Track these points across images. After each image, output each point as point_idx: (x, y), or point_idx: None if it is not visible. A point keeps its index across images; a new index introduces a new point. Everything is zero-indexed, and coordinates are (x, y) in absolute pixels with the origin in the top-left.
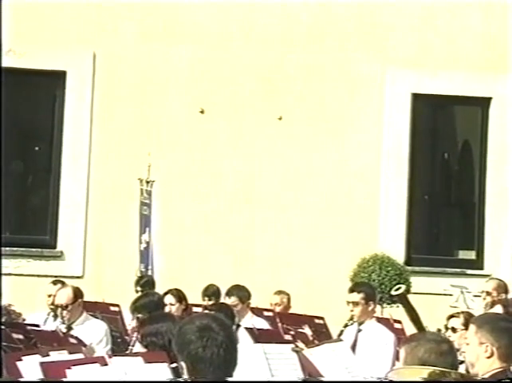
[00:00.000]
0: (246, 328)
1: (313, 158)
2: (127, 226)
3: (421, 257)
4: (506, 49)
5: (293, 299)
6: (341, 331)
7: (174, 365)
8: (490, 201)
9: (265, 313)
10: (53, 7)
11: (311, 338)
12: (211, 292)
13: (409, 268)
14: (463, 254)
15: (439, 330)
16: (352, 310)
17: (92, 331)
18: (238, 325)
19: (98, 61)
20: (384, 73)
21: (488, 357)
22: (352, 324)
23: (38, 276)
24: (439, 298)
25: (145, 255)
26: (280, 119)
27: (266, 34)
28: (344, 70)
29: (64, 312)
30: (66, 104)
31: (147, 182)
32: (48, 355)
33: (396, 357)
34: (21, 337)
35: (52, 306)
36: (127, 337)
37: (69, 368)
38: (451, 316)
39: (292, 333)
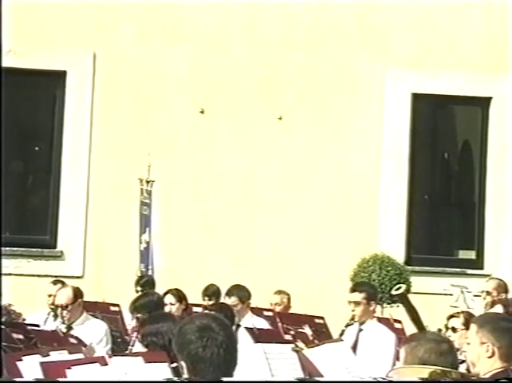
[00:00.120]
0: (246, 328)
1: (313, 158)
2: (127, 226)
3: (421, 257)
4: (506, 49)
5: (293, 299)
6: (343, 331)
7: (174, 364)
8: (490, 201)
9: (266, 313)
10: (53, 7)
11: (311, 338)
12: (211, 292)
13: (409, 268)
14: (463, 254)
15: (440, 330)
16: (353, 310)
17: (92, 331)
18: (238, 325)
19: (98, 61)
20: (383, 73)
21: (489, 357)
22: (352, 324)
23: (38, 276)
24: (439, 297)
25: (145, 255)
26: (280, 119)
27: (266, 34)
28: (344, 70)
29: (65, 312)
30: (66, 104)
31: (147, 182)
32: (48, 355)
33: (397, 357)
34: (21, 337)
35: (52, 306)
36: (127, 337)
37: (69, 368)
38: (451, 316)
39: (292, 332)
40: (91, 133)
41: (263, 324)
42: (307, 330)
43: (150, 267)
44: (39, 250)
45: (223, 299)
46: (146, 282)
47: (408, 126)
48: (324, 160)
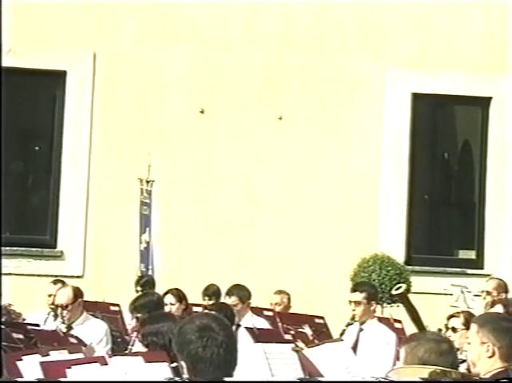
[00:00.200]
0: (246, 327)
1: (313, 158)
2: (127, 226)
3: (421, 257)
4: (506, 49)
5: (293, 299)
6: (343, 330)
7: (174, 364)
8: (490, 201)
9: (266, 313)
10: (53, 7)
11: (311, 338)
12: (211, 292)
13: (409, 268)
14: (463, 254)
15: (440, 330)
16: (354, 310)
17: (92, 331)
18: (239, 325)
19: (98, 61)
20: (383, 73)
21: (489, 357)
22: (353, 323)
23: (38, 276)
24: (440, 297)
25: (145, 255)
26: (280, 119)
27: (266, 34)
28: (344, 70)
29: (65, 312)
30: (66, 104)
31: (147, 182)
32: (48, 355)
33: (397, 357)
34: (21, 336)
35: (52, 306)
36: (127, 337)
37: (69, 367)
38: (452, 316)
39: (292, 332)
40: (91, 133)
41: (263, 324)
42: (307, 330)
43: (150, 267)
44: (39, 249)
45: (223, 299)
46: (146, 282)
47: (408, 126)
48: (324, 160)
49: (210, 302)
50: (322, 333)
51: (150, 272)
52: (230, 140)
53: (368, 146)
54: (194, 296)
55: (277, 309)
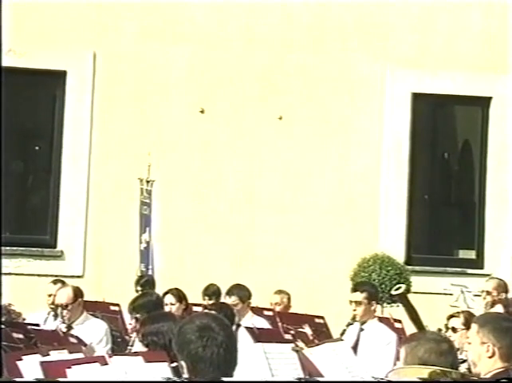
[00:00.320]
0: (247, 327)
1: (313, 158)
2: (127, 225)
3: (421, 256)
4: (506, 49)
5: (293, 299)
6: (344, 330)
7: (174, 364)
8: (490, 201)
9: (266, 313)
10: (53, 7)
11: (311, 338)
12: (211, 291)
13: (409, 268)
14: (463, 254)
15: (440, 330)
16: (354, 309)
17: (93, 331)
18: (239, 325)
19: (98, 61)
20: (384, 73)
21: (490, 357)
22: (353, 323)
23: (38, 276)
24: (440, 297)
25: (145, 255)
26: (280, 119)
27: (266, 34)
28: (344, 70)
29: (65, 311)
30: (66, 104)
31: (147, 182)
32: (48, 354)
33: (398, 357)
34: (21, 336)
35: (52, 306)
36: (127, 337)
37: (69, 367)
38: (452, 316)
39: (292, 332)
40: (91, 133)
41: (263, 323)
42: (307, 330)
43: (150, 267)
44: (39, 249)
45: (223, 299)
46: (146, 282)
47: (408, 126)
48: (324, 160)
49: (210, 302)
50: (322, 333)
51: (150, 272)
52: (230, 140)
53: (368, 146)
54: (194, 296)
55: (277, 309)
